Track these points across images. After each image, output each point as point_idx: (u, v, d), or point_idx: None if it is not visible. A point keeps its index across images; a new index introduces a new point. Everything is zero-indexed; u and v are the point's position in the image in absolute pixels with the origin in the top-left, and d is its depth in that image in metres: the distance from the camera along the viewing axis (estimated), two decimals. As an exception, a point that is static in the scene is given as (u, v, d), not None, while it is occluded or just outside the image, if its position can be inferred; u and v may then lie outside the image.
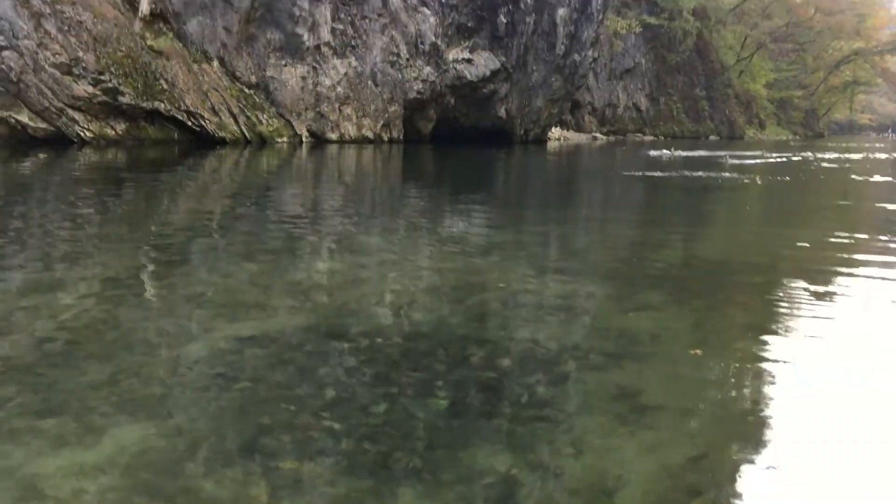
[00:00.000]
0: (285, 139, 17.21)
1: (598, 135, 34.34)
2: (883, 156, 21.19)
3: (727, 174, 11.13)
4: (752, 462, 1.76)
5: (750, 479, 1.68)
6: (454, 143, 20.18)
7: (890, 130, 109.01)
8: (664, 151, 19.02)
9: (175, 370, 2.25)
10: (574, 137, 31.19)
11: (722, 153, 13.04)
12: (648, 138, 38.20)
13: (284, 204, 6.87)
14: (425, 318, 2.81)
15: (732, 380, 2.29)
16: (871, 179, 11.20)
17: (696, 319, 2.92)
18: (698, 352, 2.49)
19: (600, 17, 24.48)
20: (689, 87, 44.97)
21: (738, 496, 1.63)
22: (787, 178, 11.00)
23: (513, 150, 20.15)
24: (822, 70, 67.30)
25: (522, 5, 20.74)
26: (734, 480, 1.69)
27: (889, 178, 11.50)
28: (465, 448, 1.78)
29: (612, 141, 32.75)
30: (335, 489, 1.60)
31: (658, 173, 12.13)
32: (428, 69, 19.98)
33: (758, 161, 15.09)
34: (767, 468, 1.72)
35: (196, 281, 3.37)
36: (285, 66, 17.17)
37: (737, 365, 2.39)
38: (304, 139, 17.61)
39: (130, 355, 2.34)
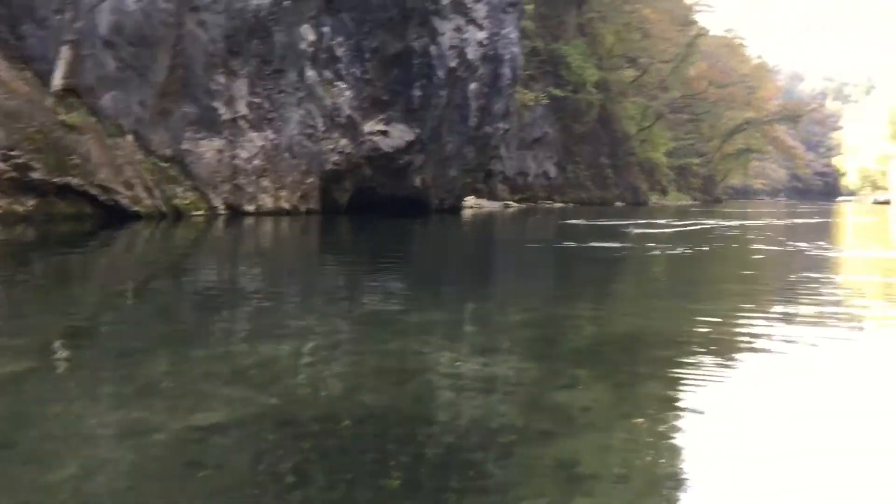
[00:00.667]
0: (202, 212, 17.11)
1: (510, 202, 35.24)
2: (779, 222, 22.48)
3: (634, 245, 11.65)
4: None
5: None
6: (371, 212, 20.44)
7: (781, 194, 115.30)
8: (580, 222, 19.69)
9: (137, 462, 2.34)
10: (487, 205, 31.92)
11: (627, 222, 13.67)
12: (558, 205, 39.38)
13: (205, 283, 6.91)
14: (372, 401, 2.97)
15: (658, 448, 2.53)
16: (771, 248, 11.90)
17: (620, 393, 3.17)
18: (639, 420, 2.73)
19: (510, 90, 25.45)
20: (595, 155, 46.75)
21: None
22: (692, 247, 11.61)
23: (429, 220, 20.54)
24: (717, 138, 71.07)
25: (435, 80, 21.43)
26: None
27: (787, 247, 12.26)
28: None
29: (524, 208, 33.64)
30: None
31: (571, 244, 12.62)
32: (344, 141, 20.31)
33: (663, 230, 15.81)
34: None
35: (134, 370, 3.43)
36: (201, 139, 17.19)
37: (661, 434, 2.63)
38: (220, 212, 17.55)
39: (92, 449, 2.42)
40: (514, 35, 24.89)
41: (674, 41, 57.87)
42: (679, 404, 2.94)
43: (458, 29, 22.02)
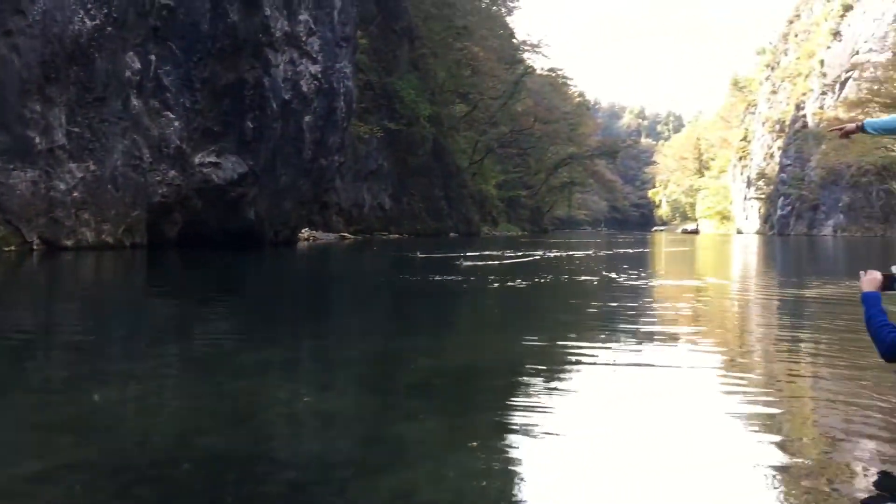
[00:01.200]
0: (13, 247, 15.99)
1: (346, 234, 35.28)
2: (603, 252, 23.84)
3: (470, 277, 12.03)
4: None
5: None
6: (202, 246, 19.85)
7: (602, 225, 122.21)
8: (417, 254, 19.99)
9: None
10: (323, 237, 31.80)
11: (458, 254, 14.08)
12: (394, 236, 39.83)
13: (16, 325, 6.50)
14: (210, 443, 2.95)
15: (491, 474, 2.69)
16: (595, 277, 12.64)
17: (455, 423, 3.33)
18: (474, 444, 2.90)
19: (345, 124, 25.63)
20: (429, 187, 47.74)
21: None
22: (522, 278, 12.13)
23: (263, 253, 20.21)
24: (543, 172, 74.58)
25: (269, 112, 21.24)
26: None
27: (610, 276, 13.05)
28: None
29: (360, 240, 33.76)
30: None
31: (408, 277, 12.84)
32: (173, 172, 19.66)
33: (494, 262, 16.38)
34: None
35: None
36: (13, 170, 16.09)
37: (494, 460, 2.80)
38: (34, 247, 16.47)
39: None
40: (348, 69, 25.15)
41: (502, 78, 60.42)
42: (511, 430, 3.13)
43: (292, 62, 21.97)
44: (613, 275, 13.17)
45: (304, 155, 23.31)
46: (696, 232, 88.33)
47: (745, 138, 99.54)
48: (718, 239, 59.01)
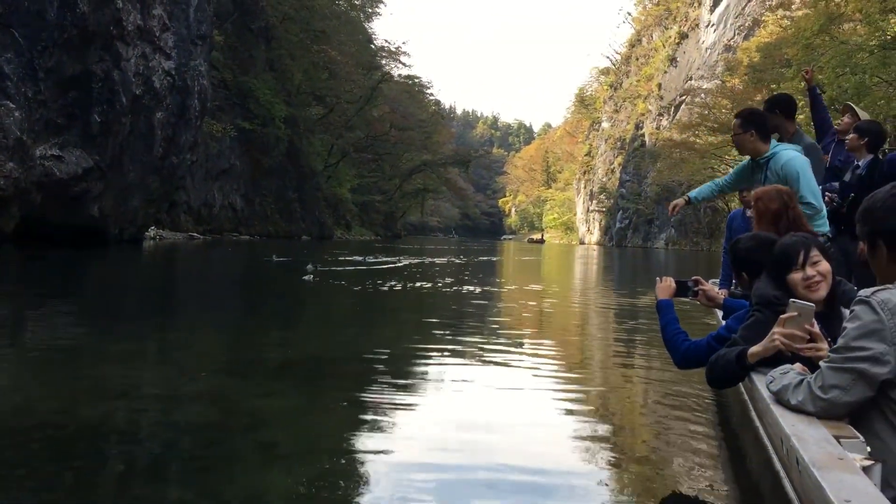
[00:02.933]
0: None
1: (195, 234, 34.60)
2: (456, 259, 24.73)
3: (323, 280, 12.45)
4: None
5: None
6: (42, 243, 19.14)
7: (454, 232, 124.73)
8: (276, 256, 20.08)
9: None
10: (170, 236, 31.10)
11: (309, 264, 14.34)
12: (245, 237, 39.36)
13: None
14: (90, 414, 3.35)
15: (340, 431, 3.25)
16: (446, 282, 13.37)
17: (307, 397, 3.87)
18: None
19: (198, 122, 25.31)
20: (283, 189, 47.43)
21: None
22: (381, 282, 12.70)
23: (107, 251, 19.74)
24: (397, 178, 75.47)
25: (118, 106, 20.73)
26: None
27: (462, 280, 13.82)
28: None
29: (209, 240, 33.22)
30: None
31: (265, 277, 13.09)
32: (11, 165, 18.84)
33: (348, 268, 16.82)
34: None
35: None
36: None
37: (343, 423, 3.37)
38: None
39: None
40: (203, 67, 24.88)
41: (359, 83, 60.80)
42: (357, 403, 3.71)
43: (144, 56, 21.55)
44: (467, 279, 13.99)
45: (154, 152, 22.87)
46: (541, 241, 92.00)
47: (588, 153, 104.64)
48: (562, 249, 61.99)
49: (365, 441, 3.13)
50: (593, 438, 3.45)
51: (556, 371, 5.12)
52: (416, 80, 72.89)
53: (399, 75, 69.51)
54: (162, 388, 3.96)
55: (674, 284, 3.91)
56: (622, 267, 27.43)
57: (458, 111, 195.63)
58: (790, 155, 4.55)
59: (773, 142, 4.73)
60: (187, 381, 4.18)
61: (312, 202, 51.88)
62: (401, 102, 70.78)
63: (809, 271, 2.84)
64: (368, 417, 3.49)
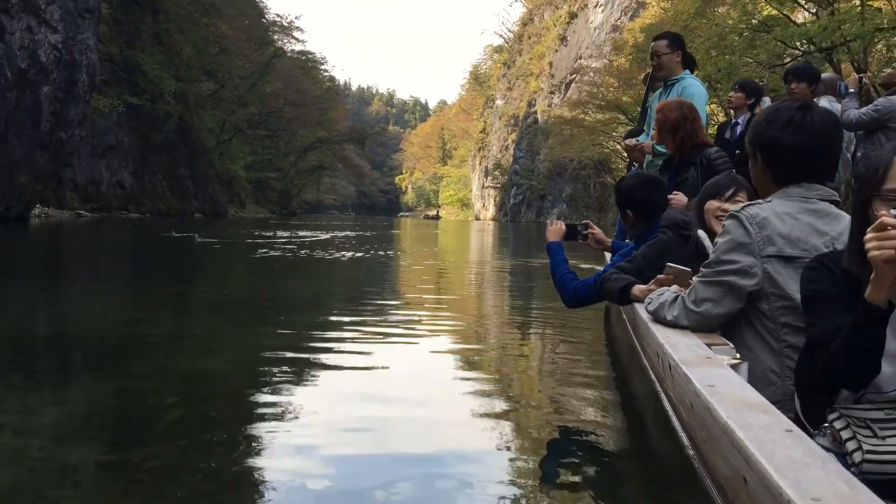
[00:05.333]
0: None
1: (82, 212, 33.47)
2: (352, 233, 24.98)
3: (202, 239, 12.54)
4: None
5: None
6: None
7: (350, 210, 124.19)
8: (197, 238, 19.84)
9: None
10: (57, 215, 30.03)
11: (198, 236, 14.30)
12: (135, 215, 38.31)
13: None
14: None
15: (236, 412, 3.60)
16: (351, 256, 13.69)
17: (203, 374, 4.22)
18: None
19: (86, 97, 24.55)
20: (174, 166, 46.26)
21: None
22: (269, 253, 12.90)
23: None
24: (292, 155, 74.49)
25: (2, 80, 19.96)
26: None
27: (361, 253, 14.17)
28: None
29: (97, 218, 32.22)
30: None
31: (166, 252, 13.04)
32: None
33: (235, 241, 16.82)
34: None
35: None
36: None
37: (235, 404, 3.53)
38: None
39: None
40: (91, 41, 24.13)
41: (251, 58, 59.63)
42: (249, 376, 4.18)
43: (29, 29, 20.77)
44: (366, 250, 14.36)
45: (41, 127, 22.11)
46: (437, 217, 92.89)
47: (483, 130, 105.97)
48: (458, 224, 62.96)
49: (259, 420, 2.91)
50: (491, 393, 3.48)
51: (454, 329, 5.48)
52: (310, 56, 71.99)
53: (292, 51, 68.49)
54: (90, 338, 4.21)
55: (564, 227, 3.98)
56: (517, 238, 28.36)
57: (354, 87, 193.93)
58: (696, 83, 4.92)
59: (687, 72, 5.05)
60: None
61: (205, 179, 50.80)
62: (295, 78, 69.72)
63: (727, 205, 2.89)
64: (263, 393, 3.36)
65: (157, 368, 3.92)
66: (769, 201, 2.37)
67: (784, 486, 1.20)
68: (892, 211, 1.68)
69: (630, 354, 4.21)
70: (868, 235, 1.70)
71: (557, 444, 2.82)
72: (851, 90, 5.99)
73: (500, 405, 3.24)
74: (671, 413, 2.77)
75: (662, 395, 3.00)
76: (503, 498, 2.17)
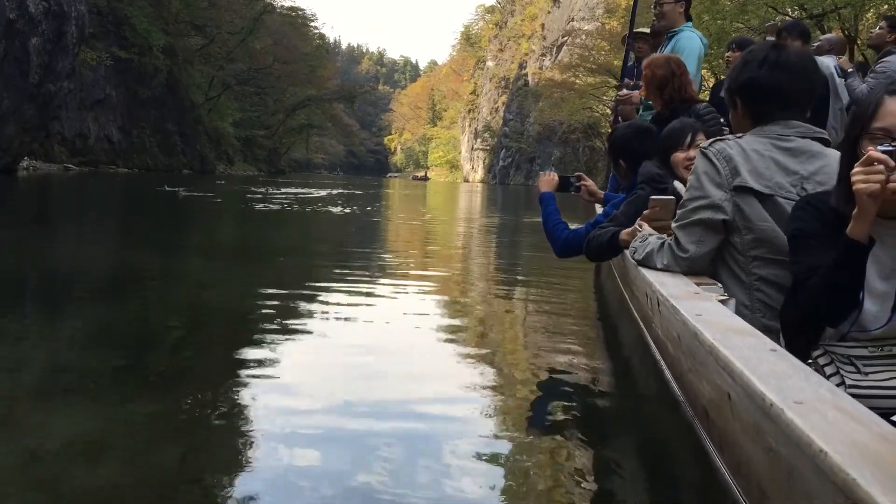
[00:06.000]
0: None
1: (70, 165, 33.22)
2: (343, 190, 25.00)
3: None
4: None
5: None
6: None
7: (339, 170, 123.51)
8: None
9: None
10: (45, 167, 29.81)
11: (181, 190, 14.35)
12: (123, 170, 38.05)
13: None
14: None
15: (224, 363, 3.66)
16: (340, 212, 13.76)
17: (189, 327, 4.28)
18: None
19: (75, 49, 24.23)
20: (161, 121, 45.80)
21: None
22: (268, 207, 12.95)
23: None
24: (281, 113, 73.80)
25: (-10, 30, 19.69)
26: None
27: (343, 209, 14.24)
28: None
29: (86, 172, 32.01)
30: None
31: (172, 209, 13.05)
32: None
33: (226, 195, 16.86)
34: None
35: None
36: None
37: (223, 354, 3.38)
38: None
39: None
40: (80, -8, 23.74)
41: (241, 13, 58.76)
42: (239, 327, 4.18)
43: (17, -22, 20.42)
44: (354, 208, 14.41)
45: (30, 79, 21.84)
46: (425, 179, 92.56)
47: (473, 92, 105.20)
48: (446, 185, 62.85)
49: (247, 370, 2.74)
50: (478, 339, 3.49)
51: (443, 278, 5.60)
52: (300, 13, 70.97)
53: (282, 6, 67.48)
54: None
55: (557, 178, 3.99)
56: (505, 199, 28.42)
57: (343, 46, 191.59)
58: (693, 36, 4.82)
59: (689, 24, 4.96)
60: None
61: (193, 135, 50.36)
62: (284, 35, 68.78)
63: (692, 153, 2.90)
64: (251, 346, 3.18)
65: (155, 299, 4.29)
66: (740, 137, 2.41)
67: (767, 392, 1.31)
68: (881, 147, 1.75)
69: (619, 303, 4.33)
70: (855, 169, 1.78)
71: (545, 385, 2.86)
72: (850, 69, 6.02)
73: (486, 350, 3.26)
74: (658, 354, 2.90)
75: (649, 339, 3.13)
76: (487, 439, 2.15)
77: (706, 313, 1.99)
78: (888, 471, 0.95)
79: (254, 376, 2.64)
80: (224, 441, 2.09)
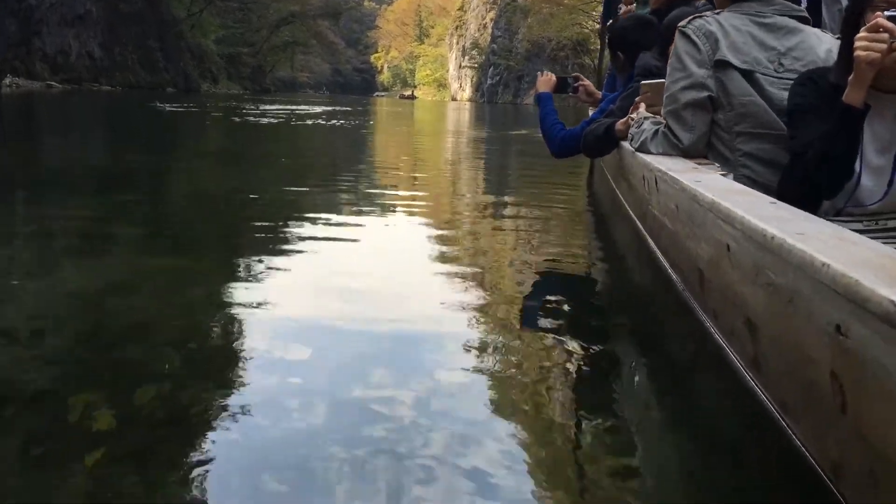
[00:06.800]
0: None
1: (53, 83, 32.58)
2: (328, 108, 24.72)
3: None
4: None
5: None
6: None
7: (324, 89, 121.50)
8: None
9: None
10: (27, 85, 29.22)
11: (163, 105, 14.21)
12: (106, 88, 37.37)
13: None
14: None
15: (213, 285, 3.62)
16: (320, 122, 13.64)
17: (176, 252, 4.29)
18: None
19: (52, -41, 23.49)
20: (143, 38, 44.81)
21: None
22: (260, 121, 12.83)
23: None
24: (265, 29, 72.16)
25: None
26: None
27: (331, 122, 14.12)
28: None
29: (69, 90, 31.42)
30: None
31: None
32: None
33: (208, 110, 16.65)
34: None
35: None
36: None
37: (213, 276, 3.03)
38: None
39: None
40: None
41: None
42: (226, 248, 3.76)
43: None
44: (341, 122, 14.29)
45: (8, -9, 21.24)
46: (412, 97, 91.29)
47: (461, 8, 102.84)
48: (434, 104, 62.15)
49: (235, 293, 2.49)
50: (468, 249, 3.36)
51: (431, 187, 5.60)
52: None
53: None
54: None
55: (555, 79, 3.92)
56: (493, 116, 28.18)
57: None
58: None
59: None
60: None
61: (176, 52, 49.34)
62: (266, -54, 66.80)
63: None
64: (239, 267, 2.91)
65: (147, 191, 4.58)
66: (718, 13, 2.39)
67: (768, 227, 1.35)
68: (887, 12, 1.76)
69: (612, 204, 4.37)
70: (860, 35, 1.79)
71: (539, 282, 2.85)
72: None
73: (477, 260, 3.14)
74: (653, 245, 2.96)
75: (644, 232, 3.18)
76: (474, 343, 2.02)
77: (705, 180, 2.04)
78: (891, 272, 0.99)
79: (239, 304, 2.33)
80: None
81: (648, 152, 2.74)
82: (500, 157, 8.65)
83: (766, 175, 2.31)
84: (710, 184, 1.95)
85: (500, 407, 1.60)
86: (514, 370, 1.83)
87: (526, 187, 5.79)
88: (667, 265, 2.69)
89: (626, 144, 3.30)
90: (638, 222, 3.44)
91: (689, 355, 2.08)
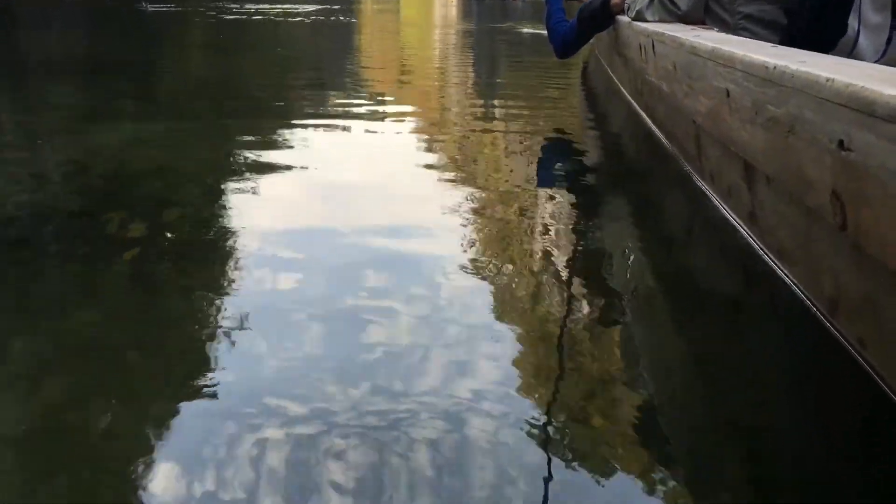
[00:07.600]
0: None
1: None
2: (319, 6, 23.92)
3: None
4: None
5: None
6: None
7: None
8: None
9: None
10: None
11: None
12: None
13: None
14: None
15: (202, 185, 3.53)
16: (304, 19, 13.26)
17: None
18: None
19: None
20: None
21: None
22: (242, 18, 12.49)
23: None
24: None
25: None
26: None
27: (315, 17, 13.76)
28: None
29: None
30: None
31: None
32: None
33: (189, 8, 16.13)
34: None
35: None
36: None
37: (200, 178, 3.10)
38: None
39: None
40: None
41: None
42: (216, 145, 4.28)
43: None
44: (325, 17, 13.94)
45: None
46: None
47: None
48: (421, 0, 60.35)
49: (226, 200, 2.27)
50: (462, 148, 3.09)
51: (423, 86, 5.25)
52: None
53: None
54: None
55: None
56: (480, 13, 27.46)
57: None
58: None
59: None
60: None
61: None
62: None
63: None
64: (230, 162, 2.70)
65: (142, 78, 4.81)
66: None
67: (769, 59, 1.34)
68: None
69: (606, 93, 4.35)
70: None
71: (538, 165, 2.78)
72: None
73: (470, 155, 2.95)
74: (650, 122, 2.96)
75: (641, 112, 3.17)
76: (473, 238, 1.92)
77: (704, 35, 2.03)
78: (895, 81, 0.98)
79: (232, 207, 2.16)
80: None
81: (645, 20, 2.73)
82: (490, 47, 8.48)
83: (767, 37, 2.26)
84: (709, 36, 1.94)
85: (503, 304, 1.51)
86: (515, 263, 1.75)
87: (518, 80, 5.64)
88: (663, 138, 2.70)
89: (622, 19, 3.27)
90: (634, 102, 3.43)
91: (685, 220, 2.10)
